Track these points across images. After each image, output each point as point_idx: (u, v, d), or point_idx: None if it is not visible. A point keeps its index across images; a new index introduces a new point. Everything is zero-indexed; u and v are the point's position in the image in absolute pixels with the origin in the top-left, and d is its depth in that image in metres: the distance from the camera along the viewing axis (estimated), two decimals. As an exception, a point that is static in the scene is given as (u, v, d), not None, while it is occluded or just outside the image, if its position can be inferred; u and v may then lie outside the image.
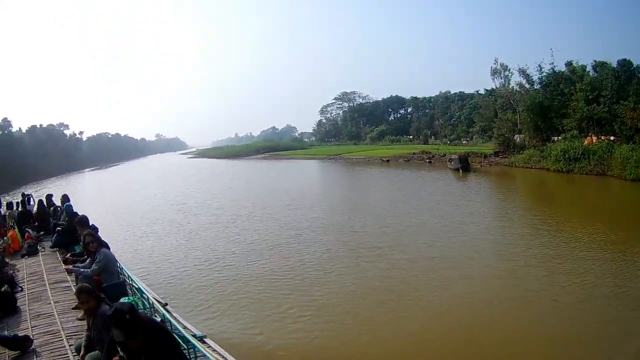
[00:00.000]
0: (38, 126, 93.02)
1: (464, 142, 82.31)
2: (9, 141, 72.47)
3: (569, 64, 50.65)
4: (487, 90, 67.12)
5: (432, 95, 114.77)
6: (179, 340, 5.71)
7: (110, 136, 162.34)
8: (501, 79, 59.39)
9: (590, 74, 48.60)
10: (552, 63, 51.10)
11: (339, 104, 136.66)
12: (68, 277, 9.96)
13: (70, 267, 8.93)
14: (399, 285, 13.83)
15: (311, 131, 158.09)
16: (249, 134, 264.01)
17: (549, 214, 23.69)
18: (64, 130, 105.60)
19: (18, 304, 8.73)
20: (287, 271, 15.60)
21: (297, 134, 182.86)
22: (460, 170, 43.81)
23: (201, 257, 18.07)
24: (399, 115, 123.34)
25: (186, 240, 21.55)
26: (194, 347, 5.78)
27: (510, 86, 57.52)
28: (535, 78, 52.83)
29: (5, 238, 14.05)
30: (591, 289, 12.80)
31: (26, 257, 12.66)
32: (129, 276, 9.41)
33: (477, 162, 49.45)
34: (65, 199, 15.52)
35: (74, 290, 8.60)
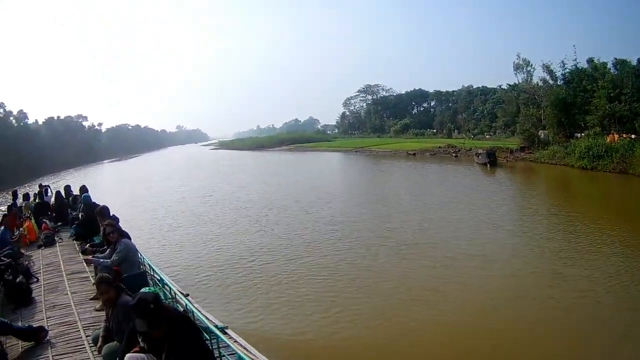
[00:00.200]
0: (55, 118, 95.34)
1: (487, 136, 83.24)
2: (25, 133, 74.28)
3: (590, 60, 51.30)
4: (509, 85, 68.80)
5: (455, 89, 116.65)
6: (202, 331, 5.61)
7: (130, 127, 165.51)
8: (523, 74, 60.05)
9: (611, 71, 49.14)
10: (575, 59, 51.84)
11: (362, 97, 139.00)
12: (86, 267, 10.00)
13: (90, 257, 8.97)
14: (442, 285, 13.65)
15: (334, 123, 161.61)
16: (270, 126, 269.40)
17: (582, 213, 23.26)
18: (82, 122, 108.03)
19: (33, 295, 8.73)
20: (326, 269, 15.39)
21: (319, 126, 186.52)
22: (488, 165, 44.64)
23: (234, 253, 17.92)
24: (422, 108, 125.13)
25: (216, 234, 21.43)
26: (217, 337, 5.74)
27: (535, 82, 58.31)
28: (558, 74, 53.67)
29: (21, 229, 14.16)
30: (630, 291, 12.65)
31: (43, 247, 12.75)
32: (150, 267, 9.38)
33: (503, 157, 50.29)
34: (83, 189, 15.69)
35: (93, 280, 8.71)
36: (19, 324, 7.10)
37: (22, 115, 78.59)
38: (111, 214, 10.53)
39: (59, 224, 15.29)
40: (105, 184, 51.54)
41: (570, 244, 17.13)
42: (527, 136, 54.61)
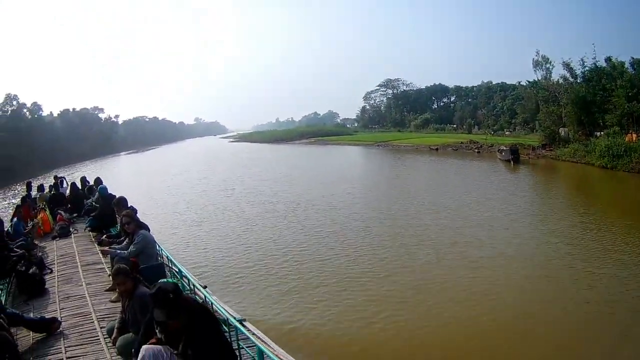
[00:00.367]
0: (71, 110, 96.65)
1: (507, 133, 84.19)
2: (38, 125, 75.41)
3: (608, 59, 52.17)
4: (529, 81, 70.01)
5: (475, 85, 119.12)
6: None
7: (147, 120, 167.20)
8: (542, 70, 61.10)
9: (629, 71, 50.09)
10: (594, 58, 52.98)
11: (382, 91, 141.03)
12: (102, 259, 10.06)
13: (106, 248, 8.98)
14: (479, 285, 13.45)
15: (354, 117, 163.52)
16: (290, 119, 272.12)
17: (611, 214, 23.20)
18: (98, 114, 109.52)
19: (47, 286, 8.78)
20: (362, 267, 15.24)
21: (339, 120, 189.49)
22: (512, 162, 45.54)
23: (264, 250, 17.73)
24: (442, 103, 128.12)
25: (243, 230, 21.25)
26: (236, 329, 5.76)
27: (556, 79, 59.42)
28: (577, 72, 54.74)
29: (35, 220, 14.29)
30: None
31: (57, 239, 12.86)
32: (168, 258, 9.41)
33: (525, 154, 51.08)
34: (98, 181, 15.92)
35: (109, 272, 8.81)
36: (31, 315, 7.12)
37: (36, 107, 79.73)
38: (129, 205, 10.51)
39: (75, 215, 15.44)
40: (123, 176, 52.00)
41: (606, 244, 16.95)
42: (548, 133, 55.61)
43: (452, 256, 16.11)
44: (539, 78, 62.16)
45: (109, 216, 12.21)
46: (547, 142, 54.70)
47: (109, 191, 13.85)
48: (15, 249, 10.31)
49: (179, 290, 4.41)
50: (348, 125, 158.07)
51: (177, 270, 8.75)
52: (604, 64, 52.10)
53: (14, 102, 71.77)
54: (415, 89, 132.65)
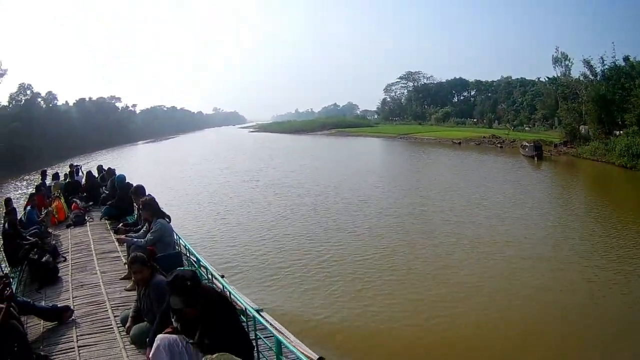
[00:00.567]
0: (87, 99, 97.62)
1: (526, 128, 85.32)
2: (54, 114, 76.48)
3: (626, 58, 53.03)
4: (548, 78, 72.51)
5: (494, 80, 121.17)
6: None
7: (165, 109, 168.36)
8: (562, 67, 63.58)
9: None
10: (614, 56, 53.65)
11: (403, 83, 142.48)
12: (118, 247, 10.08)
13: (122, 236, 8.88)
14: (518, 288, 13.31)
15: (374, 109, 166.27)
16: (309, 110, 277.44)
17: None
18: (115, 103, 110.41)
19: (60, 275, 8.78)
20: (399, 269, 14.94)
21: (358, 112, 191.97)
22: (535, 158, 46.76)
23: (297, 245, 17.52)
24: (462, 97, 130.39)
25: (272, 225, 20.78)
26: (254, 319, 5.72)
27: (576, 76, 61.06)
28: (597, 70, 55.86)
29: (49, 208, 14.36)
30: None
31: (72, 227, 12.92)
32: (186, 247, 9.38)
33: (547, 151, 52.11)
34: (110, 171, 16.26)
35: (124, 260, 8.86)
36: (42, 303, 7.12)
37: (50, 96, 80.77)
38: (147, 193, 10.47)
39: (90, 203, 15.49)
40: (140, 165, 52.43)
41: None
42: (569, 130, 56.94)
43: (491, 256, 15.90)
44: (558, 75, 64.92)
45: (125, 204, 12.31)
46: (568, 139, 55.94)
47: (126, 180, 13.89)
48: (28, 237, 10.37)
49: (197, 278, 4.46)
50: (368, 117, 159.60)
51: (196, 259, 8.68)
52: (623, 63, 53.02)
53: (28, 92, 72.71)
54: (435, 82, 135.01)
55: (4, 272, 9.21)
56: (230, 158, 54.08)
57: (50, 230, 12.53)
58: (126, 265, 8.38)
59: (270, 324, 6.05)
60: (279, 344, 5.08)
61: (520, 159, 48.01)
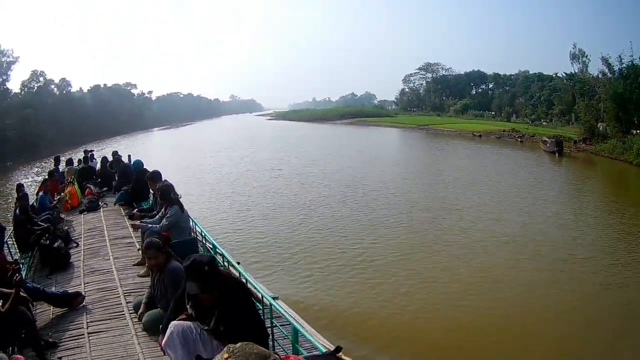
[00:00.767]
0: (102, 86, 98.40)
1: (544, 123, 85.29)
2: (67, 101, 77.17)
3: None
4: (566, 74, 72.73)
5: (512, 74, 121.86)
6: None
7: (181, 96, 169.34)
8: (579, 64, 64.29)
9: None
10: (632, 55, 53.89)
11: (422, 74, 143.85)
12: (132, 233, 10.07)
13: (137, 222, 8.84)
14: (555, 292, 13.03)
15: (392, 99, 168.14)
16: (327, 99, 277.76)
17: None
18: (131, 90, 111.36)
19: (72, 260, 8.78)
20: (434, 267, 14.75)
21: (376, 102, 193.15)
22: (557, 154, 47.60)
23: (331, 242, 17.15)
24: (480, 90, 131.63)
25: (300, 217, 20.47)
26: (270, 306, 5.71)
27: (594, 73, 61.58)
28: (615, 68, 56.03)
29: (62, 194, 14.43)
30: None
31: (85, 213, 12.94)
32: (202, 234, 9.39)
33: (566, 147, 52.34)
34: (118, 160, 16.18)
35: (138, 246, 8.81)
36: (53, 289, 7.09)
37: (64, 83, 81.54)
38: (163, 179, 10.41)
39: (104, 189, 15.50)
40: (156, 152, 52.45)
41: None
42: (588, 128, 57.47)
43: (527, 256, 15.60)
44: (576, 71, 65.57)
45: (141, 190, 12.32)
46: (587, 135, 56.35)
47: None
48: (39, 222, 10.41)
49: (214, 263, 4.43)
50: (387, 107, 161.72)
51: (212, 245, 8.64)
52: (638, 61, 53.55)
53: (41, 79, 73.46)
54: (454, 74, 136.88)
55: (14, 257, 9.24)
56: (249, 146, 54.10)
57: (63, 216, 12.56)
58: (140, 251, 8.38)
59: (287, 312, 6.06)
60: (295, 332, 5.10)
61: (541, 154, 48.79)
